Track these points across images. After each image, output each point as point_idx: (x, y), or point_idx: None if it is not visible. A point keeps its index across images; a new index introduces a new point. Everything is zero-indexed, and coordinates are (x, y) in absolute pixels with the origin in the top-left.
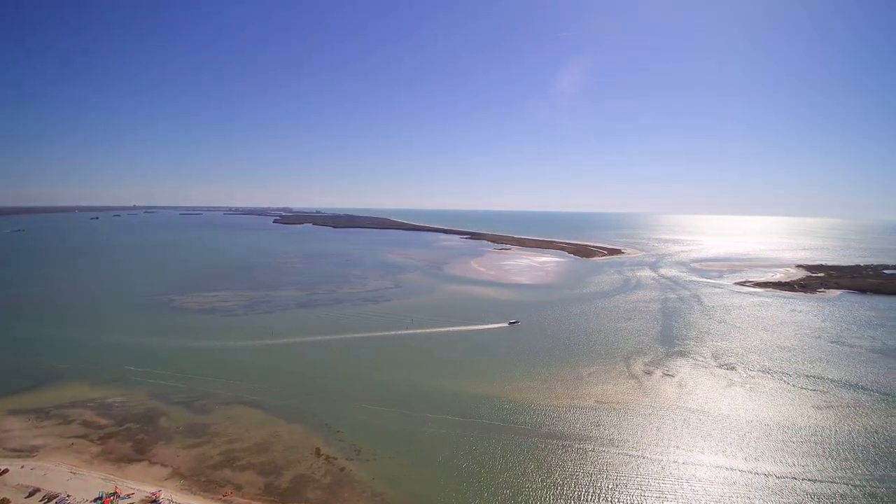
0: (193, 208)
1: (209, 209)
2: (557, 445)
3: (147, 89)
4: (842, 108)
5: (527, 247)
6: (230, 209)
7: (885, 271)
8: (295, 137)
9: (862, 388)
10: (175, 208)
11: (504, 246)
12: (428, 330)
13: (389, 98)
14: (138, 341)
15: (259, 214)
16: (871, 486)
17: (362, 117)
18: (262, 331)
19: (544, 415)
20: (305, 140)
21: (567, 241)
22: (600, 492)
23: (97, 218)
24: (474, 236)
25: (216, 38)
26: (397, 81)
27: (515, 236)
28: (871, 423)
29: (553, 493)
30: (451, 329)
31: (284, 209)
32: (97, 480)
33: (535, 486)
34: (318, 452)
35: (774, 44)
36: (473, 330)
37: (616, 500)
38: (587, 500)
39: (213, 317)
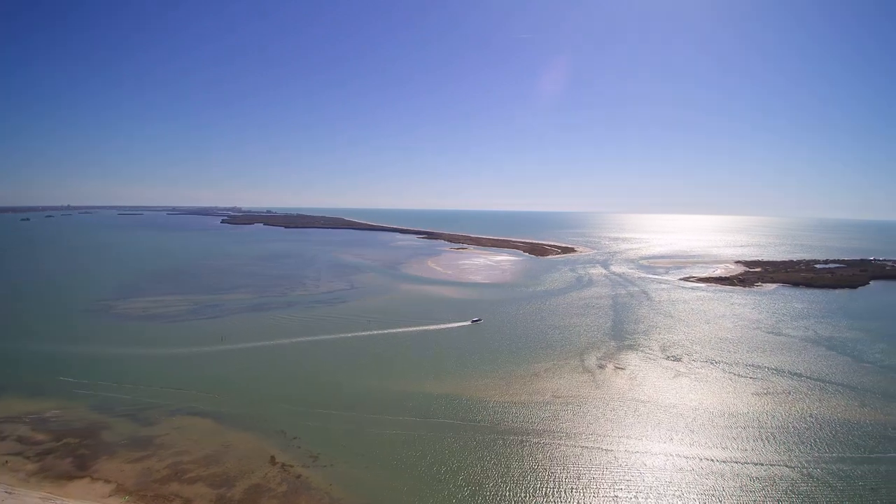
0: (133, 208)
1: (150, 209)
2: (515, 441)
3: (71, 84)
4: (773, 112)
5: (483, 246)
6: (173, 209)
7: (816, 265)
8: (244, 135)
9: (796, 374)
10: (113, 208)
11: (461, 245)
12: (385, 331)
13: (338, 96)
14: (76, 350)
15: (205, 214)
16: (808, 466)
17: (315, 115)
18: (211, 336)
19: (502, 411)
20: (256, 138)
21: (522, 240)
22: (556, 484)
23: (28, 219)
24: (431, 236)
25: (154, 31)
26: (347, 78)
27: (472, 236)
28: (806, 407)
29: (511, 488)
30: (409, 329)
31: (233, 209)
32: (35, 500)
33: (493, 481)
34: (273, 461)
35: (719, 45)
36: (433, 329)
37: (571, 491)
38: (544, 493)
39: (157, 323)
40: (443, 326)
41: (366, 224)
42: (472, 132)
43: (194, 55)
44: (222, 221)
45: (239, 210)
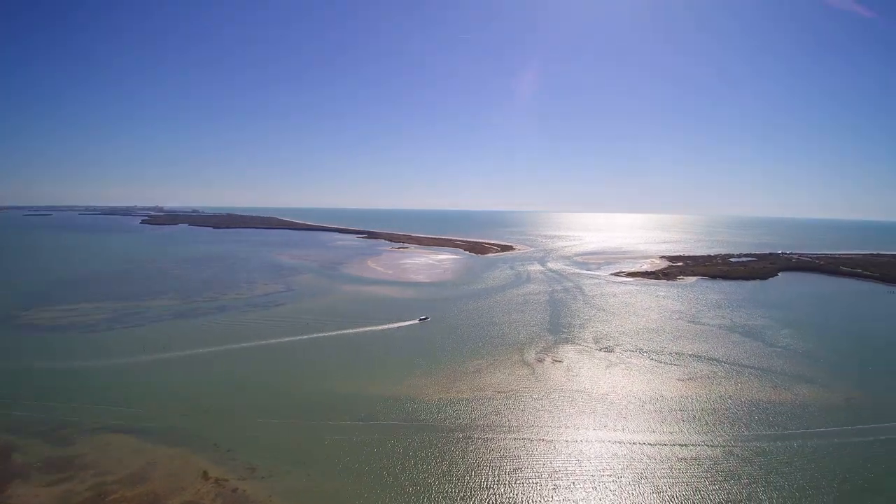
0: (40, 208)
1: (62, 209)
2: (460, 438)
3: None
4: (695, 117)
5: (424, 245)
6: (88, 208)
7: (731, 259)
8: (166, 126)
9: (715, 360)
10: (18, 209)
11: (401, 245)
12: (326, 333)
13: (270, 91)
14: None
15: (124, 214)
16: (728, 445)
17: (246, 110)
18: (132, 347)
19: (447, 409)
20: (177, 130)
21: (463, 239)
22: (499, 477)
23: None
24: (371, 235)
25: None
26: (283, 73)
27: (413, 235)
28: (725, 390)
29: (456, 485)
30: (352, 331)
31: (155, 208)
32: None
33: (438, 480)
34: (205, 476)
35: (653, 46)
36: (378, 330)
37: (513, 483)
38: (487, 487)
39: (71, 334)
40: (387, 326)
41: (303, 224)
42: (410, 131)
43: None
44: (142, 222)
45: (161, 210)
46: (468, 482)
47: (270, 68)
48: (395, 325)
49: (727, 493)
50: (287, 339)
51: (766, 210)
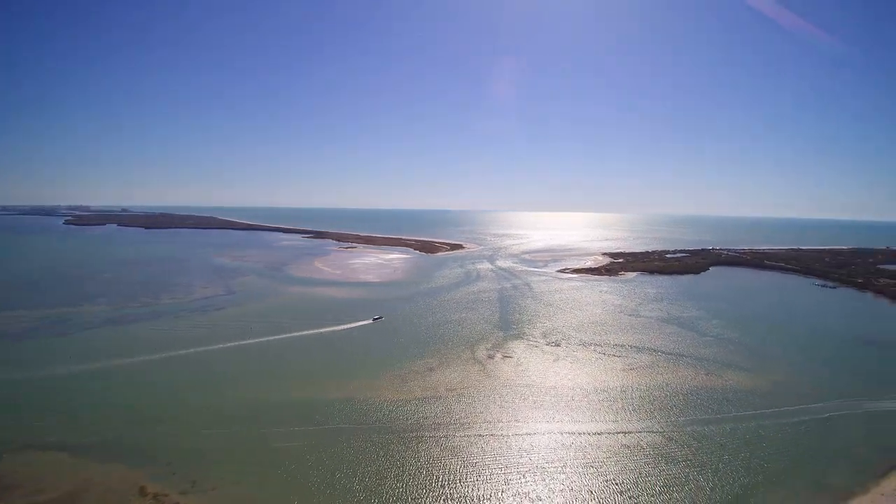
0: None
1: None
2: (412, 438)
3: None
4: (639, 119)
5: (373, 244)
6: (4, 208)
7: (667, 255)
8: (88, 118)
9: (654, 350)
10: None
11: (350, 244)
12: (271, 337)
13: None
14: None
15: (45, 214)
16: (668, 431)
17: (174, 99)
18: (58, 357)
19: (398, 409)
20: (98, 124)
21: (412, 238)
22: (451, 474)
23: None
24: (318, 235)
25: None
26: (219, 65)
27: (361, 234)
28: (663, 378)
29: (408, 485)
30: (298, 334)
31: (80, 207)
32: None
33: (390, 482)
34: (143, 491)
35: (589, 50)
36: (326, 332)
37: (465, 480)
38: (440, 485)
39: None
40: (338, 328)
41: (244, 223)
42: (353, 128)
43: None
44: (66, 222)
45: (87, 209)
46: (421, 481)
47: (202, 56)
48: (347, 326)
49: (667, 477)
50: (229, 344)
51: (699, 209)
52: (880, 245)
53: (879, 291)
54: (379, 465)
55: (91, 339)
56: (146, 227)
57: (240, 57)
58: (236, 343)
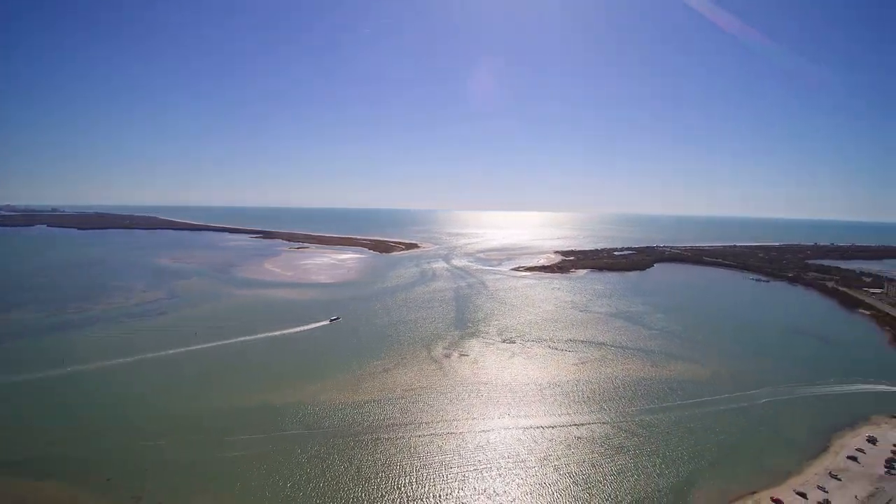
0: None
1: None
2: (368, 440)
3: None
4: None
5: (326, 244)
6: None
7: (615, 253)
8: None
9: (604, 344)
10: None
11: (301, 244)
12: (218, 342)
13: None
14: None
15: None
16: (617, 420)
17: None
18: None
19: (354, 412)
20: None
21: (366, 238)
22: (408, 475)
23: None
24: (267, 235)
25: None
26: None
27: (313, 234)
28: (612, 371)
29: (365, 487)
30: (247, 338)
31: (5, 207)
32: None
33: (346, 486)
34: None
35: (567, 55)
36: (278, 336)
37: (423, 480)
38: (397, 486)
39: None
40: (292, 331)
41: (187, 224)
42: (293, 124)
43: None
44: None
45: (13, 209)
46: (377, 484)
47: (135, 46)
48: (302, 328)
49: (618, 465)
50: (173, 350)
51: (645, 208)
52: (809, 241)
53: (808, 284)
54: (335, 470)
55: (22, 348)
56: (80, 228)
57: (188, 50)
58: (181, 349)
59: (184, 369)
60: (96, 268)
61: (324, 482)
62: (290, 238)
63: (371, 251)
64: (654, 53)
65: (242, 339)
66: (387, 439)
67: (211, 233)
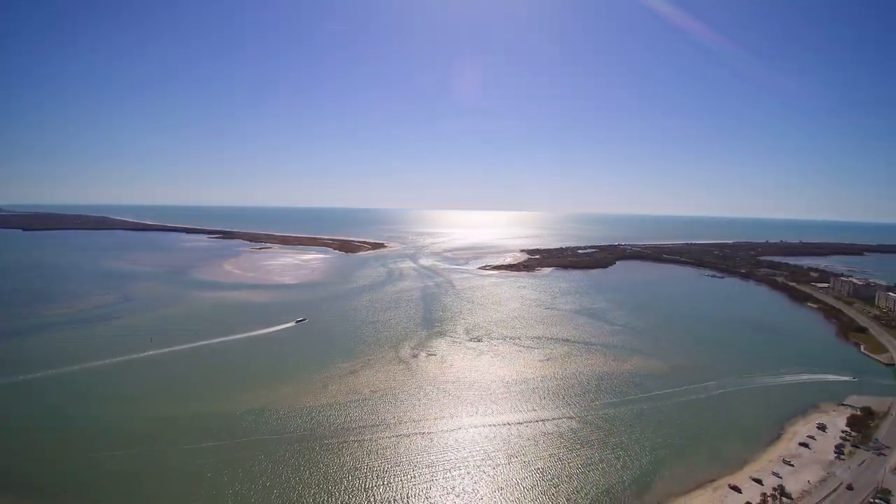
0: None
1: None
2: (334, 443)
3: None
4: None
5: (289, 245)
6: None
7: (579, 251)
8: None
9: (568, 340)
10: None
11: (263, 245)
12: (176, 347)
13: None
14: None
15: None
16: (582, 414)
17: (59, 85)
18: None
19: (321, 415)
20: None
21: (331, 238)
22: (376, 476)
23: None
24: (226, 235)
25: None
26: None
27: (276, 234)
28: (577, 366)
29: (332, 492)
30: (210, 342)
31: None
32: None
33: (312, 491)
34: None
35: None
36: (240, 339)
37: (391, 481)
38: (364, 489)
39: None
40: (256, 333)
41: (142, 224)
42: (255, 121)
43: None
44: None
45: None
46: (345, 487)
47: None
48: (267, 330)
49: (583, 459)
50: (127, 357)
51: (609, 208)
52: (760, 239)
53: (760, 280)
54: (300, 476)
55: None
56: (25, 229)
57: (129, 41)
58: (136, 356)
59: (140, 376)
60: (45, 270)
61: (289, 489)
62: (252, 238)
63: (337, 251)
64: (622, 55)
65: (202, 343)
66: (354, 442)
67: (167, 233)
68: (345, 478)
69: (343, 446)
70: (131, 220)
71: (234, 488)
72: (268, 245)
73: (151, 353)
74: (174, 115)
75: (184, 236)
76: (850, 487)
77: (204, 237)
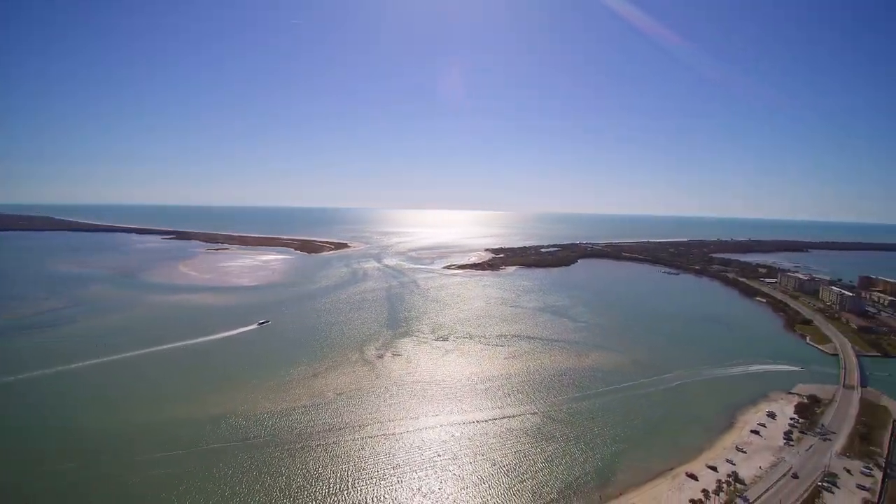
0: None
1: None
2: (298, 448)
3: None
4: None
5: (248, 245)
6: None
7: (542, 250)
8: None
9: (532, 337)
10: None
11: (220, 245)
12: (126, 354)
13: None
14: None
15: None
16: (547, 410)
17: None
18: None
19: (284, 420)
20: None
21: (292, 238)
22: (341, 480)
23: None
24: (180, 236)
25: None
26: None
27: (234, 234)
28: (540, 362)
29: (295, 499)
30: (165, 347)
31: None
32: None
33: (275, 498)
34: None
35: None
36: (203, 342)
37: (356, 484)
38: (330, 494)
39: None
40: (216, 337)
41: (89, 224)
42: (216, 122)
43: None
44: None
45: None
46: (309, 493)
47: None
48: (227, 333)
49: (547, 453)
50: (75, 365)
51: (572, 207)
52: (712, 237)
53: (712, 276)
54: (262, 483)
55: None
56: None
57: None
58: (83, 363)
59: (89, 384)
60: None
61: (250, 498)
62: (208, 239)
63: (298, 251)
64: (589, 55)
65: (156, 348)
66: (318, 446)
67: (116, 234)
68: (309, 483)
69: (307, 451)
70: (77, 221)
71: (191, 499)
72: (225, 246)
73: (101, 360)
74: (109, 112)
75: (135, 237)
76: (795, 476)
77: (157, 238)
